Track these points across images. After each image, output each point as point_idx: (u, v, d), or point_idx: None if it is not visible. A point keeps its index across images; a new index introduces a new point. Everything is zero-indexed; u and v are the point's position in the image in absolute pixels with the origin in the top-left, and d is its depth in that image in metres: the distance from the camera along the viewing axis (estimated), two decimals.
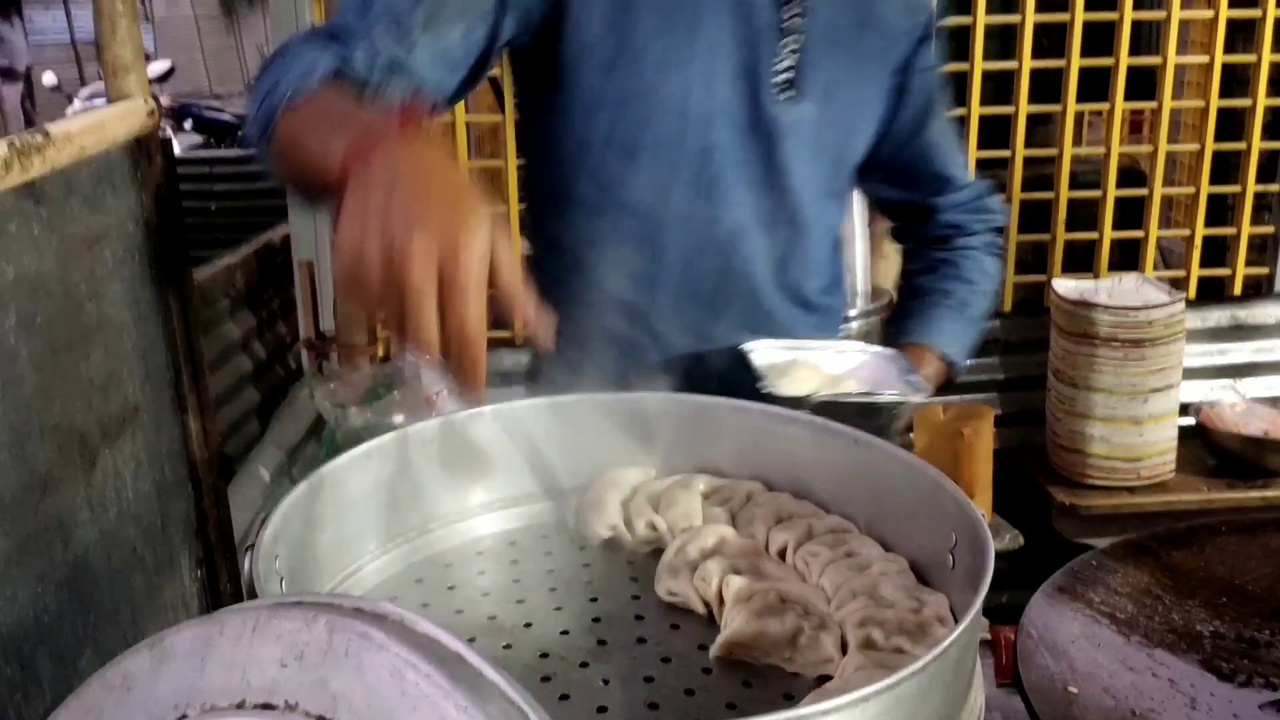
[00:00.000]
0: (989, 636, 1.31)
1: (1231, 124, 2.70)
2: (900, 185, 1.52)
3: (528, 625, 0.88)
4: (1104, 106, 2.62)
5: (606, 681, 0.81)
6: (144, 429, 1.00)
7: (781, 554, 0.94)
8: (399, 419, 2.02)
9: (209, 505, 1.09)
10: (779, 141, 1.32)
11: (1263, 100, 2.64)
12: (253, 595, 0.75)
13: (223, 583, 1.11)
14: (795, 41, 1.30)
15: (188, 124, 7.38)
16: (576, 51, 1.25)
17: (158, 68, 9.42)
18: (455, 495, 1.02)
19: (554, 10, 1.23)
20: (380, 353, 2.38)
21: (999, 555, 2.58)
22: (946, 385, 1.50)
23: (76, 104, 9.42)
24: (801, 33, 1.29)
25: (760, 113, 1.30)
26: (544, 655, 0.84)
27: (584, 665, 0.83)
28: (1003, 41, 2.65)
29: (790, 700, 0.78)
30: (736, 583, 0.87)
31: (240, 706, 0.58)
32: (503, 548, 1.01)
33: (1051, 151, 2.65)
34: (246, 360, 2.51)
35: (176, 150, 6.40)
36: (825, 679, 0.80)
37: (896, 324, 1.53)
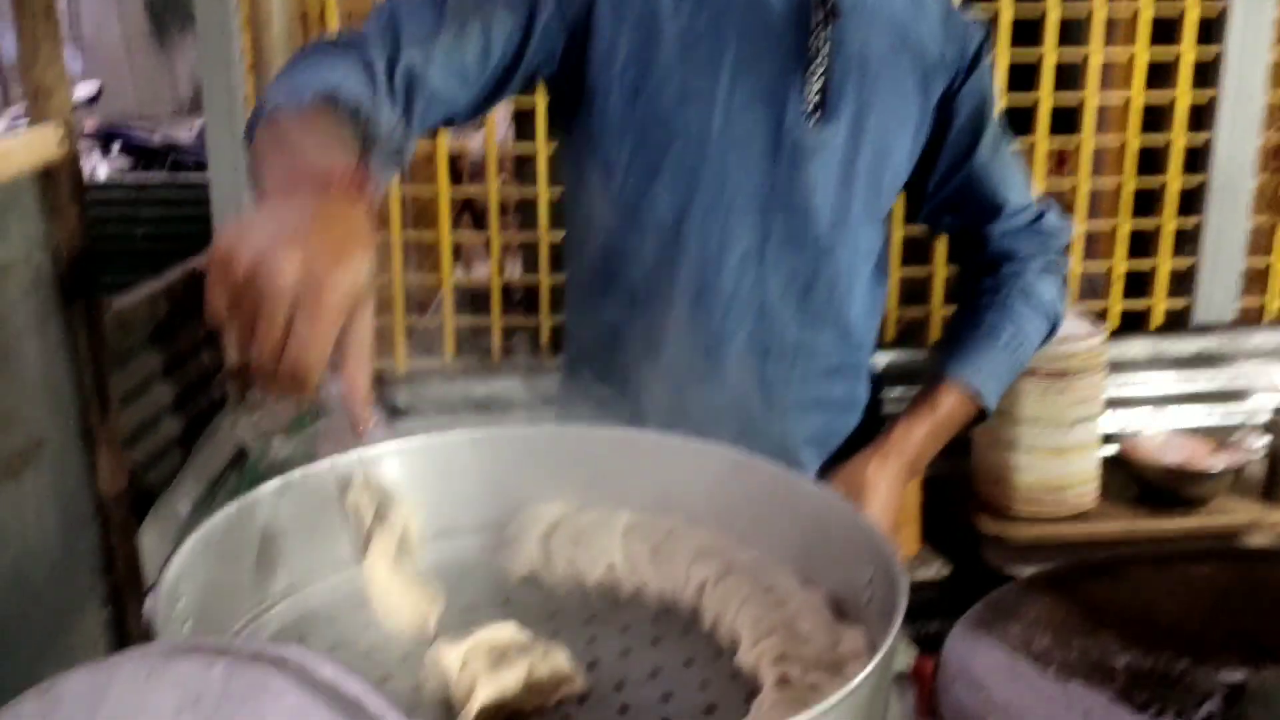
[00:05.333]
0: (912, 668, 1.32)
1: (1152, 160, 2.77)
2: (952, 212, 1.49)
3: None
4: (1029, 141, 2.67)
5: None
6: (49, 463, 0.97)
7: (700, 589, 0.94)
8: (324, 449, 1.98)
9: (118, 542, 1.06)
10: (803, 165, 1.33)
11: (1182, 136, 2.71)
12: (154, 638, 0.73)
13: (131, 623, 1.08)
14: (824, 66, 1.31)
15: (115, 147, 7.24)
16: (603, 81, 1.29)
17: (85, 90, 9.25)
18: None
19: (580, 42, 1.28)
20: None
21: (928, 584, 2.60)
22: (976, 421, 1.46)
23: (1, 125, 9.21)
24: (830, 56, 1.31)
25: (783, 137, 1.32)
26: None
27: None
28: None
29: None
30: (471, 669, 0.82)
31: None
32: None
33: None
34: (168, 389, 2.45)
35: (102, 175, 6.28)
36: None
37: (936, 355, 1.50)
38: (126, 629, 1.07)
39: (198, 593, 0.80)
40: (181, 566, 0.79)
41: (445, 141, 2.57)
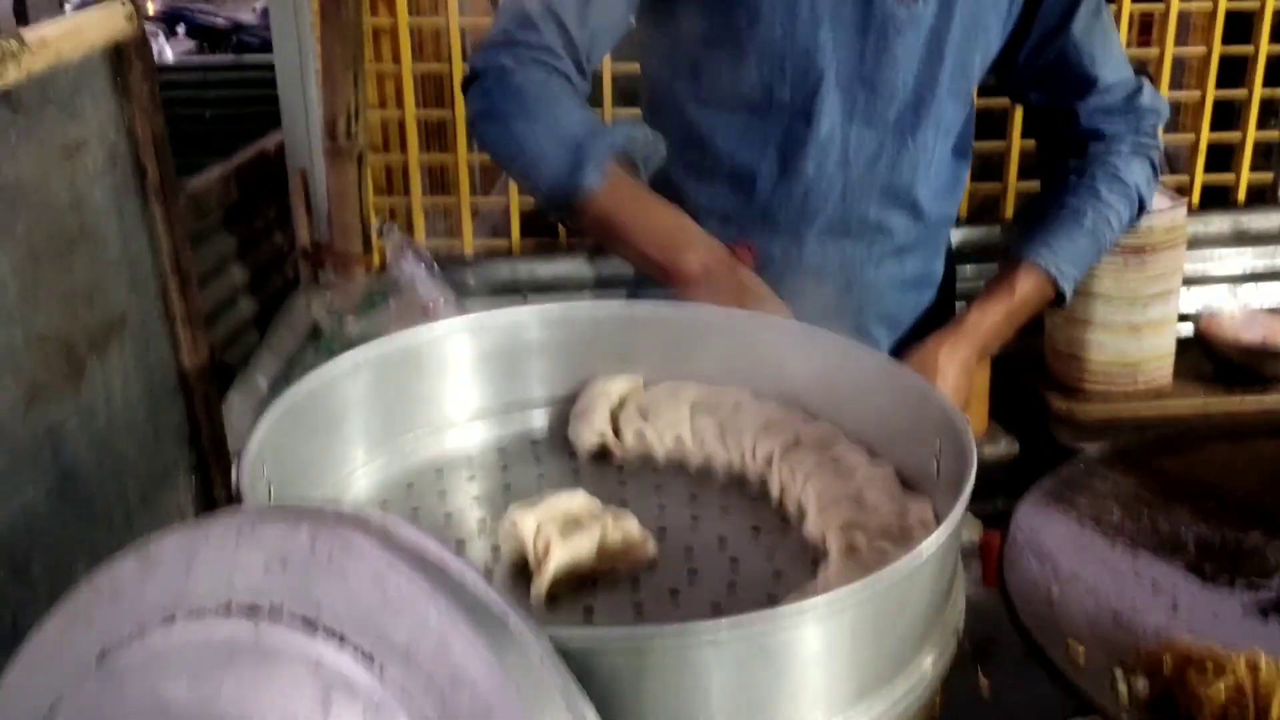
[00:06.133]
0: (978, 540, 1.33)
1: (1240, 26, 2.65)
2: (1042, 88, 1.45)
3: None
4: (1112, 8, 2.57)
5: (593, 584, 0.82)
6: (132, 338, 0.99)
7: (768, 461, 0.94)
8: (395, 328, 2.02)
9: (201, 414, 1.10)
10: (892, 41, 1.30)
11: (1271, 2, 2.58)
12: (242, 503, 0.75)
13: (218, 491, 1.12)
14: None
15: (180, 29, 7.25)
16: None
17: None
18: (445, 403, 1.03)
19: None
20: (376, 261, 2.37)
21: (995, 462, 2.60)
22: (1055, 303, 1.44)
23: (68, 8, 9.24)
24: None
25: (873, 11, 1.29)
26: None
27: None
28: None
29: (773, 601, 0.79)
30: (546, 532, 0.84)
31: (226, 610, 0.59)
32: (493, 455, 1.02)
33: None
34: (243, 270, 2.49)
35: (169, 57, 6.30)
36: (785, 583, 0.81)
37: (1016, 236, 1.47)
38: (213, 497, 1.11)
39: (280, 463, 0.83)
40: (264, 437, 0.81)
41: None
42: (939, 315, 1.49)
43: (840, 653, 0.65)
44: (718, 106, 1.35)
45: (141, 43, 1.02)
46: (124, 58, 1.00)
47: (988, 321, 1.37)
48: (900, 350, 1.43)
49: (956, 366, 1.34)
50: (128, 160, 1.01)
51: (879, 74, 1.32)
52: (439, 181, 2.72)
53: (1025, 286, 1.39)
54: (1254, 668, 0.82)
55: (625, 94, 2.44)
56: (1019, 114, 2.61)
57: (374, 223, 2.35)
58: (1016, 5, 1.37)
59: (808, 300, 1.38)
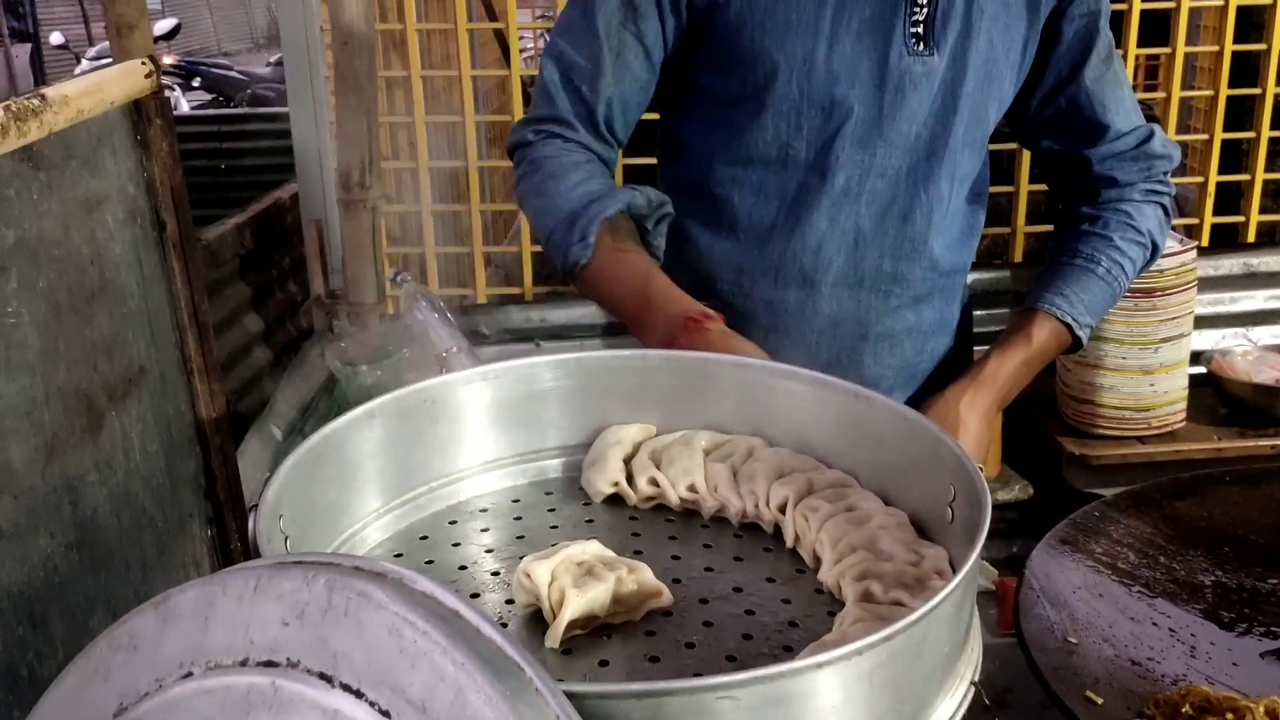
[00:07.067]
0: (993, 586, 1.32)
1: (1246, 69, 2.67)
2: (1054, 135, 1.46)
3: None
4: (1119, 52, 2.59)
5: (608, 635, 0.82)
6: (150, 391, 1.00)
7: (782, 509, 0.95)
8: (409, 377, 2.03)
9: (218, 465, 1.10)
10: (907, 95, 1.32)
11: (1278, 44, 2.60)
12: (258, 555, 0.76)
13: (233, 542, 1.12)
14: None
15: (196, 82, 7.36)
16: (708, 13, 1.31)
17: (164, 26, 9.39)
18: (459, 453, 1.03)
19: None
20: (390, 310, 2.39)
21: (1009, 506, 2.58)
22: (1069, 350, 1.44)
23: (84, 63, 9.40)
24: None
25: (888, 68, 1.31)
26: None
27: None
28: None
29: (789, 652, 0.79)
30: (560, 583, 0.83)
31: (244, 664, 0.59)
32: (506, 505, 1.02)
33: None
34: (257, 319, 2.51)
35: (185, 109, 6.39)
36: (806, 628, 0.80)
37: (1031, 284, 1.47)
38: (229, 548, 1.11)
39: (296, 513, 0.83)
40: (280, 488, 0.82)
41: (518, 70, 2.56)
42: (956, 362, 1.49)
43: (857, 704, 0.65)
44: (732, 161, 1.36)
45: (161, 99, 1.04)
46: (144, 114, 1.02)
47: (1006, 371, 1.37)
48: (919, 399, 1.43)
49: (977, 417, 1.34)
50: (147, 214, 1.02)
51: (895, 127, 1.33)
52: (452, 230, 2.74)
53: (1042, 335, 1.39)
54: (1274, 715, 0.81)
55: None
56: (1026, 158, 2.63)
57: (388, 272, 2.37)
58: (1029, 54, 1.38)
59: (823, 350, 1.39)
